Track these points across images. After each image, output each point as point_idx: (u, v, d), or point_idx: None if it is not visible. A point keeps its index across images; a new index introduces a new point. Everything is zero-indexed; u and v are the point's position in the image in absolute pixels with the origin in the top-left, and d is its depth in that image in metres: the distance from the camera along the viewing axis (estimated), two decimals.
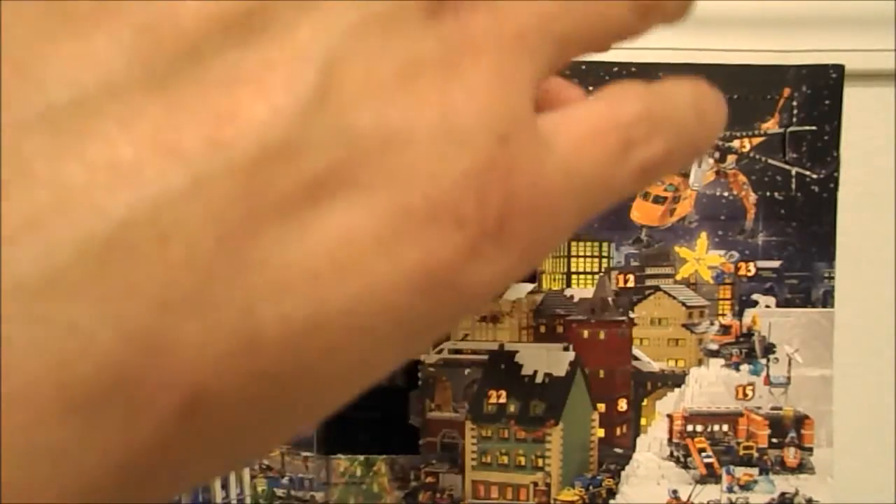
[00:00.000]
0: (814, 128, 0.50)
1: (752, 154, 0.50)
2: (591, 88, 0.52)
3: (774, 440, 0.51)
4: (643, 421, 0.51)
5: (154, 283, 0.11)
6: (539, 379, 0.50)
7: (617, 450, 0.51)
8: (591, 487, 0.50)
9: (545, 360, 0.50)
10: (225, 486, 0.51)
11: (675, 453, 0.51)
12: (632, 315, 0.50)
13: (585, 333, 0.50)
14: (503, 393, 0.50)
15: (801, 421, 0.51)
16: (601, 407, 0.50)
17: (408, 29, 0.13)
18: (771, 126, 0.50)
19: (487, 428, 0.50)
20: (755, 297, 0.51)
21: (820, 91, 0.50)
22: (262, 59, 0.12)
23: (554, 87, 0.17)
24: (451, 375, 0.50)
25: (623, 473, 0.50)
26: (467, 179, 0.13)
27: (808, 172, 0.50)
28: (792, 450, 0.51)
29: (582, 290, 0.50)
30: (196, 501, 0.50)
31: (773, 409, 0.51)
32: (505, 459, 0.50)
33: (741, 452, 0.51)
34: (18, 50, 0.11)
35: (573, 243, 0.50)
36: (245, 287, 0.11)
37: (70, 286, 0.10)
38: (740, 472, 0.51)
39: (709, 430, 0.51)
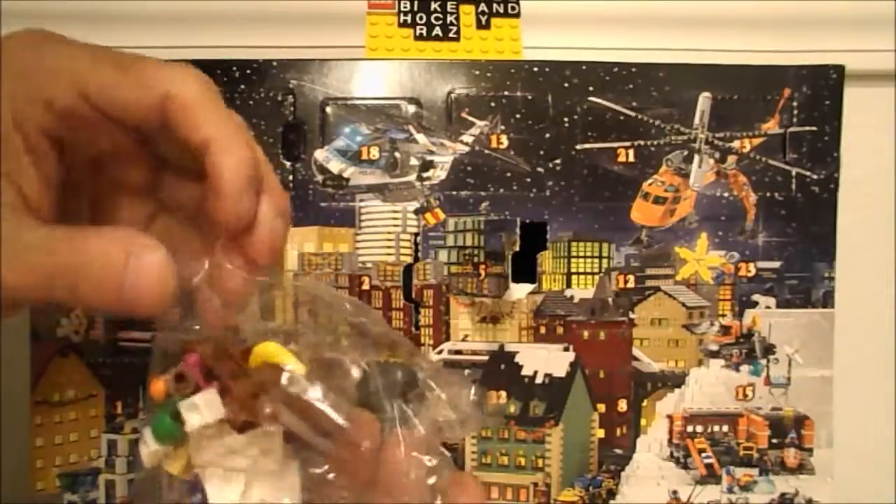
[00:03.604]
0: (814, 128, 0.50)
1: (752, 154, 0.50)
2: (591, 88, 0.52)
3: (774, 441, 0.51)
4: (643, 421, 0.51)
5: None
6: (539, 379, 0.50)
7: (617, 450, 0.51)
8: (591, 488, 0.50)
9: (545, 360, 0.50)
10: None
11: (675, 454, 0.51)
12: (632, 316, 0.50)
13: (585, 334, 0.50)
14: (503, 393, 0.50)
15: (801, 421, 0.51)
16: (601, 407, 0.50)
17: None
18: (771, 126, 0.50)
19: (487, 428, 0.50)
20: (755, 297, 0.51)
21: (820, 91, 0.50)
22: None
23: None
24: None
25: (623, 474, 0.50)
26: None
27: (808, 173, 0.50)
28: (792, 450, 0.51)
29: (582, 291, 0.50)
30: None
31: (773, 409, 0.51)
32: (505, 460, 0.50)
33: (741, 453, 0.51)
34: None
35: (573, 244, 0.50)
36: None
37: None
38: (740, 472, 0.51)
39: (709, 430, 0.51)
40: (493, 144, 0.49)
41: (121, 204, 0.31)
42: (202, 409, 0.26)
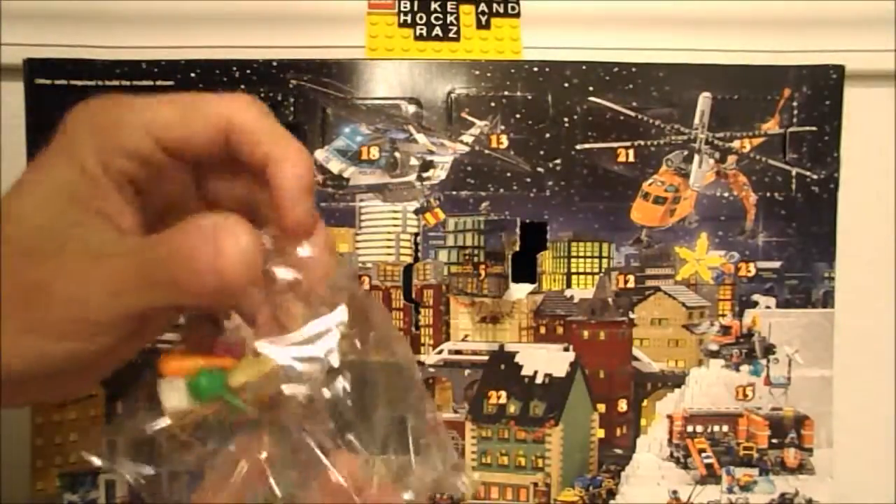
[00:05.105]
0: (814, 128, 0.50)
1: (752, 154, 0.50)
2: (591, 88, 0.52)
3: (774, 441, 0.51)
4: (643, 421, 0.51)
5: None
6: (539, 379, 0.50)
7: (617, 450, 0.51)
8: (591, 488, 0.50)
9: (545, 360, 0.50)
10: None
11: (676, 454, 0.51)
12: (632, 316, 0.50)
13: (585, 334, 0.50)
14: (503, 393, 0.50)
15: (801, 421, 0.51)
16: (601, 407, 0.50)
17: None
18: (771, 126, 0.50)
19: (487, 428, 0.50)
20: (755, 297, 0.51)
21: (820, 91, 0.50)
22: None
23: None
24: (451, 376, 0.50)
25: (623, 474, 0.50)
26: None
27: (808, 173, 0.50)
28: (792, 450, 0.51)
29: (582, 291, 0.50)
30: None
31: (773, 409, 0.51)
32: (505, 460, 0.50)
33: (741, 453, 0.51)
34: None
35: (573, 244, 0.50)
36: None
37: None
38: (740, 472, 0.51)
39: (709, 430, 0.51)
40: (493, 144, 0.49)
41: None
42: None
